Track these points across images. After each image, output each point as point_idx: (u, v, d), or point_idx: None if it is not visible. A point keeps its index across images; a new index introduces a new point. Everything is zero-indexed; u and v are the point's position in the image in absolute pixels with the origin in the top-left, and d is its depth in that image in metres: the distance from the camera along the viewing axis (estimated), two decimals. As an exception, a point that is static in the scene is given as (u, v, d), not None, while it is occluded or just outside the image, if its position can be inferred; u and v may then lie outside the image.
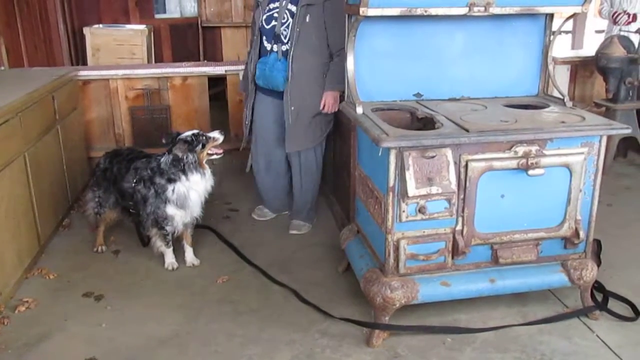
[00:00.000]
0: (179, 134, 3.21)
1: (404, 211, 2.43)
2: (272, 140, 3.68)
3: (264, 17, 3.44)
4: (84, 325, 2.76)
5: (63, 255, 3.48)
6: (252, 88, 3.61)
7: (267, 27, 3.43)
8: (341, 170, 3.69)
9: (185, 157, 3.12)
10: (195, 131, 3.22)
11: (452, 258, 2.58)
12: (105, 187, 3.40)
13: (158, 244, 3.32)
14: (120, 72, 4.75)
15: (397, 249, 2.50)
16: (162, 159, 3.18)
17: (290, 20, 3.36)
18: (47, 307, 2.92)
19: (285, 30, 3.38)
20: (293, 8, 3.35)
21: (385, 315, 2.58)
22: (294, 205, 3.84)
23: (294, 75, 3.37)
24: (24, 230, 3.19)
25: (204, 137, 3.20)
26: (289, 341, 2.63)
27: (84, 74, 4.67)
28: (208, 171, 3.25)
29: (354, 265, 2.89)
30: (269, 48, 3.45)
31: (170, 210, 3.20)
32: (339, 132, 3.72)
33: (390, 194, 2.41)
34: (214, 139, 3.22)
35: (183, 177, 3.15)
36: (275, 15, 3.40)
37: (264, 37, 3.47)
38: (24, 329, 2.73)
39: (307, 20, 3.30)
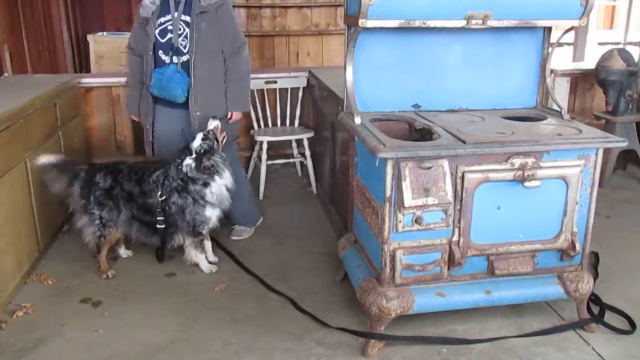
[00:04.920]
0: (186, 147, 3.25)
1: (400, 221, 2.44)
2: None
3: (157, 31, 3.42)
4: (81, 331, 2.78)
5: (62, 261, 3.50)
6: (150, 103, 3.55)
7: (163, 40, 3.42)
8: (340, 179, 3.71)
9: (213, 162, 3.21)
10: (202, 135, 3.26)
11: (448, 269, 2.58)
12: (110, 206, 3.26)
13: (192, 253, 3.33)
14: (123, 79, 4.76)
15: (393, 259, 2.51)
16: (184, 168, 3.20)
17: (187, 30, 3.40)
18: (44, 312, 2.94)
19: (183, 41, 3.41)
20: (187, 18, 3.40)
21: (381, 325, 2.58)
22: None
23: (197, 83, 3.41)
24: (24, 236, 3.21)
25: (211, 133, 3.28)
26: (285, 350, 2.63)
27: (87, 81, 4.70)
28: (228, 161, 3.33)
29: (350, 275, 2.89)
30: (167, 60, 3.42)
31: (209, 212, 3.27)
32: (338, 142, 3.74)
33: (387, 204, 2.43)
34: (217, 127, 3.31)
35: (217, 177, 3.24)
36: (170, 27, 3.40)
37: (160, 51, 3.43)
38: (21, 334, 2.74)
39: (203, 27, 3.37)
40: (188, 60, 3.40)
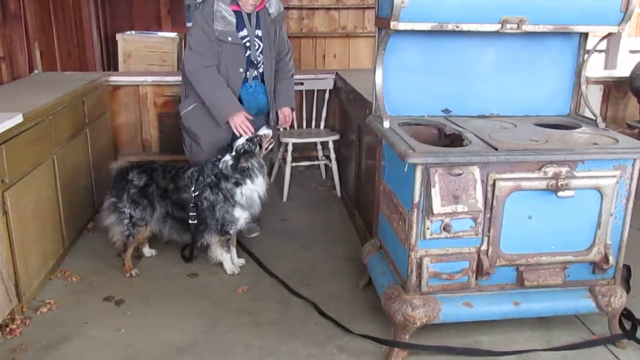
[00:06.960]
0: (229, 145, 3.26)
1: (428, 228, 2.39)
2: None
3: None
4: (103, 330, 2.78)
5: (86, 258, 3.51)
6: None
7: (244, 56, 3.45)
8: (365, 183, 3.66)
9: (250, 165, 3.20)
10: (247, 136, 3.29)
11: (476, 278, 2.52)
12: (144, 204, 3.24)
13: (218, 251, 3.33)
14: (150, 78, 4.81)
15: (419, 266, 2.46)
16: (222, 165, 3.21)
17: (262, 45, 3.47)
18: (68, 309, 2.95)
19: (259, 55, 3.48)
20: (259, 32, 3.46)
21: (406, 334, 2.53)
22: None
23: (270, 91, 3.59)
24: (50, 232, 3.23)
25: (258, 138, 3.29)
26: (307, 355, 2.60)
27: (115, 79, 4.74)
28: (265, 169, 3.33)
29: (375, 281, 2.85)
30: (243, 74, 3.45)
31: (237, 212, 3.27)
32: (364, 145, 3.70)
33: (415, 210, 2.38)
34: (266, 136, 3.35)
35: (248, 181, 3.23)
36: (248, 44, 3.43)
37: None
38: (44, 330, 2.75)
39: (271, 37, 3.51)
40: (262, 73, 3.52)
